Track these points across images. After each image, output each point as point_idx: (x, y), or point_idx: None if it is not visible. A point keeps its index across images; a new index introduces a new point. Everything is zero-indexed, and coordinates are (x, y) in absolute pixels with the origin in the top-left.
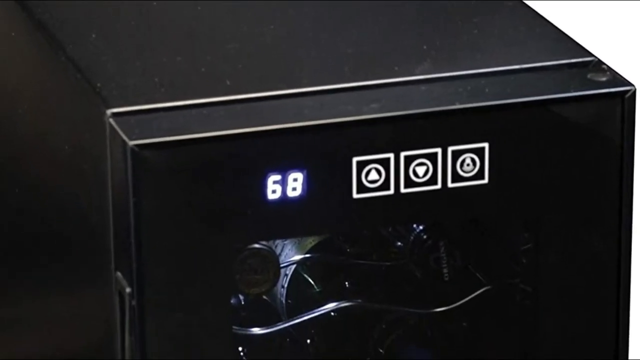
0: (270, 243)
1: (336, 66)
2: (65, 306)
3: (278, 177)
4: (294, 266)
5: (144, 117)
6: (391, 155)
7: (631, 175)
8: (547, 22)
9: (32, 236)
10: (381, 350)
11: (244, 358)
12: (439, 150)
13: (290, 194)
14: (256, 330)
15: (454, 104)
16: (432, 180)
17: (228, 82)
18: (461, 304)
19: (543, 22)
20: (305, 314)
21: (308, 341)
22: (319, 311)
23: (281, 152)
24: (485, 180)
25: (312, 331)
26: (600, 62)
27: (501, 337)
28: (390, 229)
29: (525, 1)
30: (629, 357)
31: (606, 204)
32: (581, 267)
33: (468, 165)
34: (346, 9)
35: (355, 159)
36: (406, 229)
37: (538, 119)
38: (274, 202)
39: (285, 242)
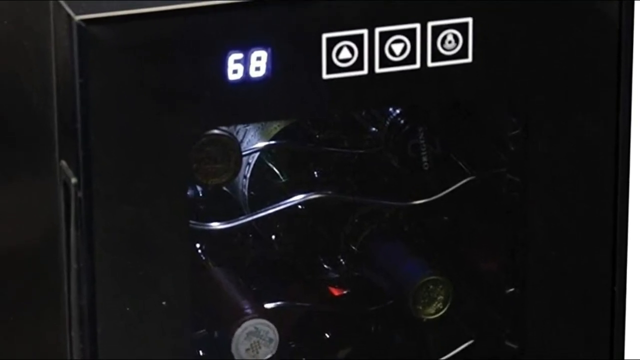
0: (231, 129)
1: None
2: (5, 197)
3: (240, 56)
4: (257, 154)
5: None
6: (365, 32)
7: (630, 55)
8: None
9: None
10: (353, 247)
11: (201, 255)
12: (417, 25)
13: (253, 74)
14: (215, 225)
15: None
16: (410, 59)
17: None
18: (442, 196)
19: None
20: (270, 207)
21: (273, 237)
22: (285, 204)
23: (243, 28)
24: (469, 59)
25: (278, 226)
26: None
27: (486, 232)
28: (363, 113)
29: None
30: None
31: (602, 85)
32: (574, 155)
33: (450, 42)
34: None
35: (324, 36)
36: (381, 113)
37: None
38: (235, 83)
39: (248, 128)
